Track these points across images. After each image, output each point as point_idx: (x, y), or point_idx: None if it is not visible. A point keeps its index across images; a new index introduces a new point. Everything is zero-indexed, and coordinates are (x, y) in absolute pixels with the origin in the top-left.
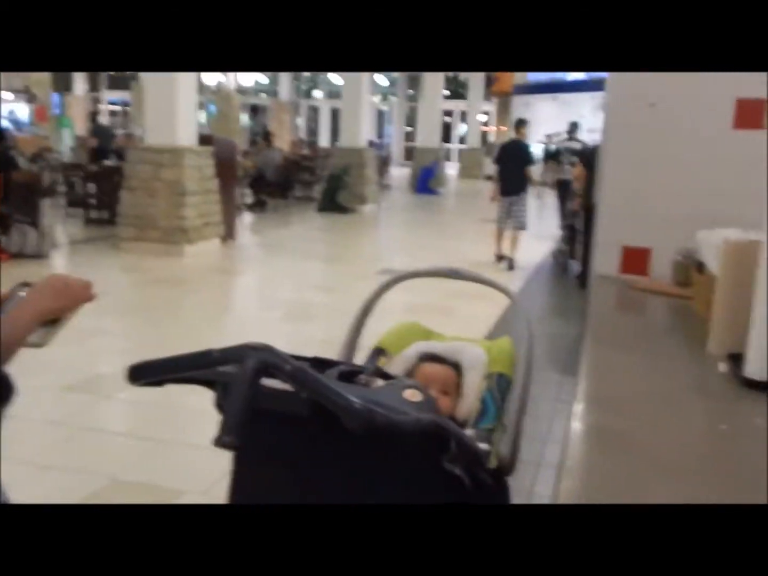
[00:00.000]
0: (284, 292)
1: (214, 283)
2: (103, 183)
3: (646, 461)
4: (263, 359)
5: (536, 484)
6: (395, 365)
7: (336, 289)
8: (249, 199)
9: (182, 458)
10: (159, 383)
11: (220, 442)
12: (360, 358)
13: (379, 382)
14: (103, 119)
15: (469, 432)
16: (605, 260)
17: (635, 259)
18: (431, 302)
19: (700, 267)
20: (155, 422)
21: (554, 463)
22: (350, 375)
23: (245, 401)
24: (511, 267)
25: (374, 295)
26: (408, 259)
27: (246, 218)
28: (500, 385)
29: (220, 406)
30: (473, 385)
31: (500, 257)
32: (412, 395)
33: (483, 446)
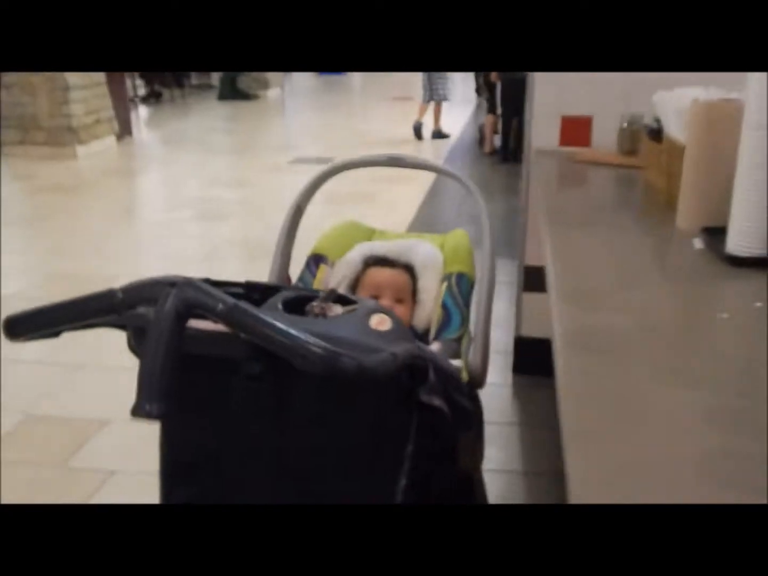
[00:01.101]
0: (191, 190)
1: (114, 186)
2: None
3: (649, 366)
4: (185, 298)
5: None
6: (337, 272)
7: (247, 183)
8: (142, 90)
9: (101, 384)
10: (52, 335)
11: (139, 412)
12: (295, 271)
13: (337, 309)
14: None
15: (435, 346)
16: (543, 132)
17: (575, 129)
18: (351, 190)
19: (655, 133)
20: (65, 346)
21: (504, 350)
22: (298, 303)
23: (167, 355)
24: (438, 136)
25: (306, 191)
26: (321, 146)
27: (141, 112)
28: (461, 287)
29: (135, 350)
30: (430, 289)
31: (418, 130)
32: (379, 323)
33: (455, 363)
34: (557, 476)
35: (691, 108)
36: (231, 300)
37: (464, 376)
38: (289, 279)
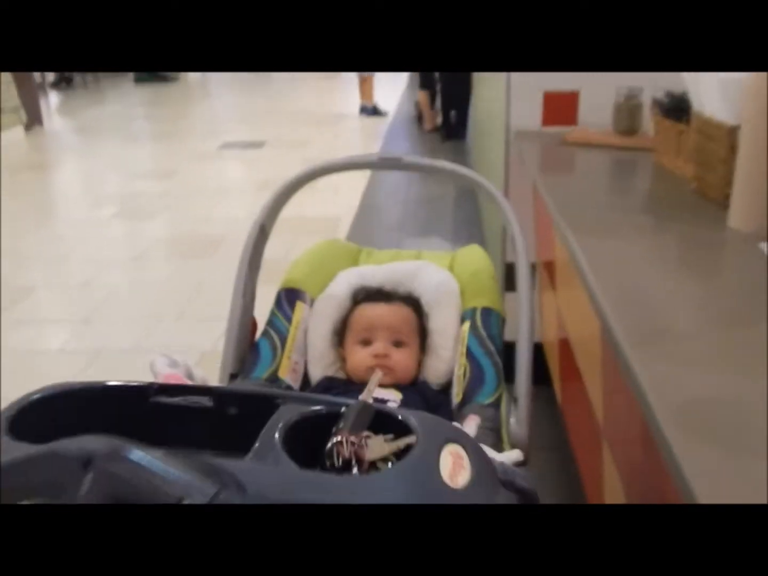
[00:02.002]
0: (112, 185)
1: (25, 182)
2: None
3: None
4: (113, 494)
5: None
6: (319, 312)
7: (173, 174)
8: (51, 75)
9: None
10: None
11: None
12: (263, 307)
13: (377, 444)
14: None
15: (472, 422)
16: (523, 111)
17: (560, 106)
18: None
19: (672, 110)
20: None
21: None
22: (308, 428)
23: None
24: (373, 113)
25: (271, 207)
26: (250, 129)
27: (52, 99)
28: (489, 327)
29: None
30: (447, 331)
31: (363, 107)
32: (455, 466)
33: (512, 455)
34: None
35: (746, 80)
36: (207, 488)
37: (505, 441)
38: (254, 324)
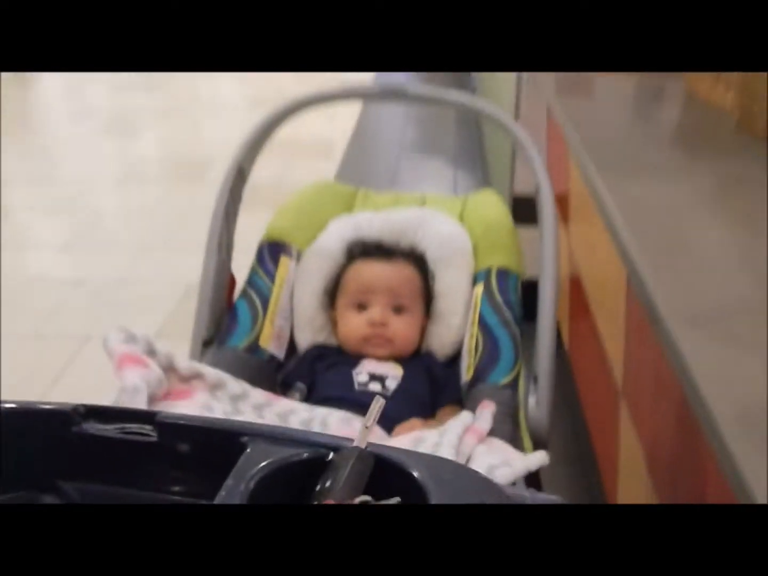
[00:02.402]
0: (97, 97)
1: (6, 97)
2: None
3: None
4: None
5: None
6: (308, 269)
7: (164, 85)
8: None
9: None
10: None
11: None
12: (242, 263)
13: None
14: None
15: (488, 409)
16: None
17: None
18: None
19: None
20: None
21: None
22: (284, 481)
23: None
24: None
25: (250, 144)
26: None
27: None
28: (506, 292)
29: None
30: (455, 294)
31: None
32: None
33: (534, 460)
34: None
35: None
36: None
37: (526, 443)
38: (233, 281)
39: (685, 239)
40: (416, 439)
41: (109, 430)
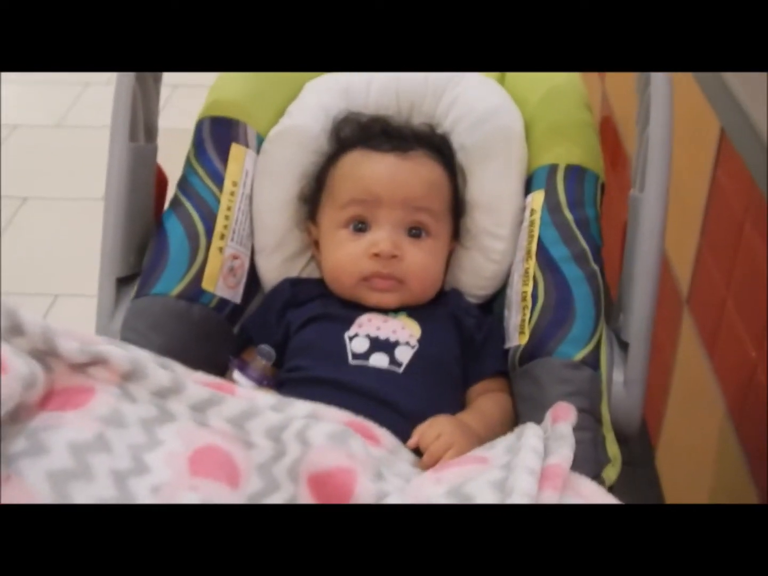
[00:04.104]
0: None
1: None
2: None
3: None
4: None
5: None
6: (274, 161)
7: None
8: None
9: None
10: None
11: None
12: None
13: None
14: None
15: (557, 408)
16: None
17: None
18: None
19: None
20: None
21: None
22: None
23: None
24: None
25: None
26: None
27: None
28: (581, 206)
29: None
30: (503, 203)
31: None
32: None
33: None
34: None
35: None
36: None
37: (605, 423)
38: (163, 180)
39: None
40: (463, 482)
41: None
